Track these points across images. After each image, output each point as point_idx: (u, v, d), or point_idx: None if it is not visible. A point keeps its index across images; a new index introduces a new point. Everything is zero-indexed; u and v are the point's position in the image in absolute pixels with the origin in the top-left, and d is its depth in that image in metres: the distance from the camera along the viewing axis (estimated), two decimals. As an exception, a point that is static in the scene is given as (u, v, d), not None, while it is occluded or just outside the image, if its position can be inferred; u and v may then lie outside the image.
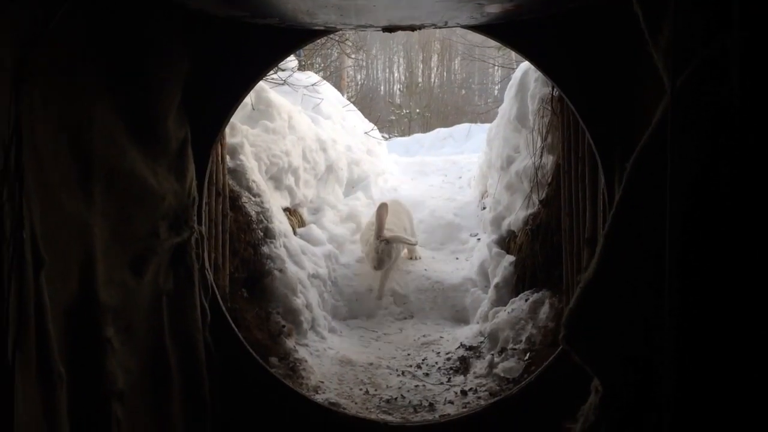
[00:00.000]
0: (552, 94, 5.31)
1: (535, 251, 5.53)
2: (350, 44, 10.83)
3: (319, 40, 9.81)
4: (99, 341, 2.94)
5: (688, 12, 2.20)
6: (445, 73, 28.44)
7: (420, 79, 27.03)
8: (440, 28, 4.13)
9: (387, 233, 6.60)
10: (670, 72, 2.21)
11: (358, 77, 27.50)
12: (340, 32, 9.77)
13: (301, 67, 9.24)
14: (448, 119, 23.02)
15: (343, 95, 11.29)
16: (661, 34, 2.34)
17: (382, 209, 6.66)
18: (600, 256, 2.37)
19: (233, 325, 4.18)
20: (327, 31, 4.17)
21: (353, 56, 17.01)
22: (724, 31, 2.08)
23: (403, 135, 18.46)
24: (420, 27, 4.01)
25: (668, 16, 2.22)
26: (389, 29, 4.01)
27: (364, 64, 27.52)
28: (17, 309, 2.23)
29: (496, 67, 22.57)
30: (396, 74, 30.06)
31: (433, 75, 27.87)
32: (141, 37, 3.32)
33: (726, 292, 2.05)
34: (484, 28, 4.01)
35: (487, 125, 11.25)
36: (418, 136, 15.32)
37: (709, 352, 2.07)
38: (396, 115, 23.11)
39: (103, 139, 3.00)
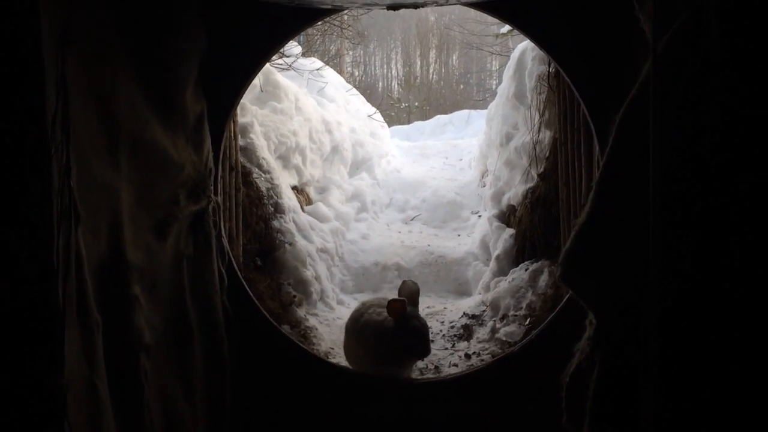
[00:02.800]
0: (549, 71, 5.51)
1: (534, 223, 5.75)
2: (350, 30, 11.00)
3: (319, 30, 10.04)
4: (128, 298, 3.09)
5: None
6: (443, 68, 28.59)
7: (418, 73, 27.17)
8: (442, 5, 4.32)
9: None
10: (653, 32, 2.42)
11: (356, 73, 27.63)
12: (340, 20, 9.99)
13: (304, 54, 9.46)
14: (446, 112, 23.18)
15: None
16: (647, -2, 2.55)
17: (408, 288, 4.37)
18: (592, 201, 2.58)
19: (248, 290, 4.39)
20: (334, 10, 4.36)
21: (351, 51, 17.17)
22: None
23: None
24: (423, 4, 4.20)
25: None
26: (393, 7, 4.21)
27: (362, 60, 27.66)
28: (64, 257, 2.44)
29: (493, 62, 22.74)
30: (393, 70, 30.18)
31: (431, 69, 28.01)
32: (162, 14, 3.47)
33: (703, 231, 2.27)
34: (484, 5, 4.18)
35: (485, 111, 11.44)
36: (418, 124, 15.54)
37: (688, 284, 2.29)
38: (395, 109, 23.24)
39: (128, 110, 3.15)
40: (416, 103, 23.78)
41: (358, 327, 4.42)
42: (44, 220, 2.30)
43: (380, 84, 29.78)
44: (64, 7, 2.45)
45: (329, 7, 4.21)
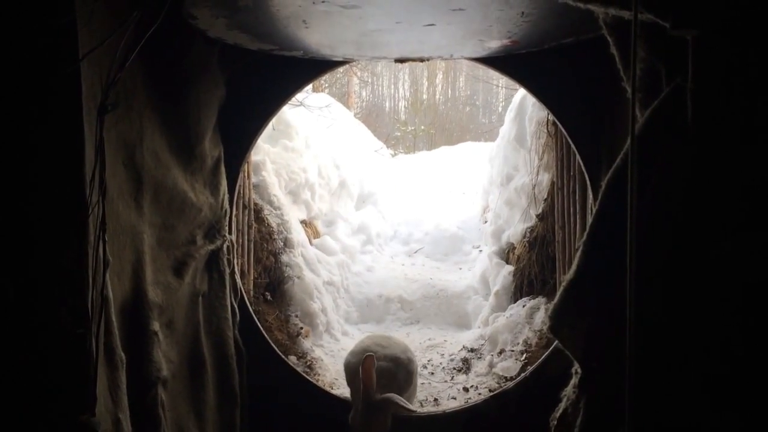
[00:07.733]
0: (547, 118, 5.73)
1: (532, 261, 5.97)
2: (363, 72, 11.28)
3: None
4: (147, 334, 3.30)
5: (653, 57, 2.65)
6: (449, 91, 28.80)
7: (425, 96, 27.41)
8: (446, 59, 4.58)
9: (379, 395, 4.31)
10: (632, 114, 2.65)
11: (364, 93, 27.86)
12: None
13: (314, 89, 9.73)
14: (452, 136, 23.33)
15: (350, 111, 11.81)
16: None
17: (369, 362, 4.28)
18: (579, 260, 2.81)
19: (258, 324, 4.62)
20: (345, 62, 4.62)
21: (359, 74, 17.44)
22: (680, 74, 2.51)
23: (408, 152, 18.84)
24: (428, 58, 4.46)
25: (638, 60, 2.67)
26: (401, 60, 4.47)
27: (370, 80, 27.93)
28: (99, 301, 2.67)
29: (500, 87, 23.01)
30: (401, 90, 30.39)
31: (437, 92, 28.24)
32: (183, 67, 3.71)
33: (679, 293, 2.49)
34: (485, 60, 4.43)
35: (489, 144, 11.68)
36: (423, 154, 15.74)
37: (662, 340, 2.51)
38: (401, 131, 23.45)
39: (151, 158, 3.38)
40: (422, 127, 24.00)
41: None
42: (80, 272, 2.53)
43: (387, 104, 30.01)
44: (103, 77, 2.70)
45: (340, 59, 4.47)
